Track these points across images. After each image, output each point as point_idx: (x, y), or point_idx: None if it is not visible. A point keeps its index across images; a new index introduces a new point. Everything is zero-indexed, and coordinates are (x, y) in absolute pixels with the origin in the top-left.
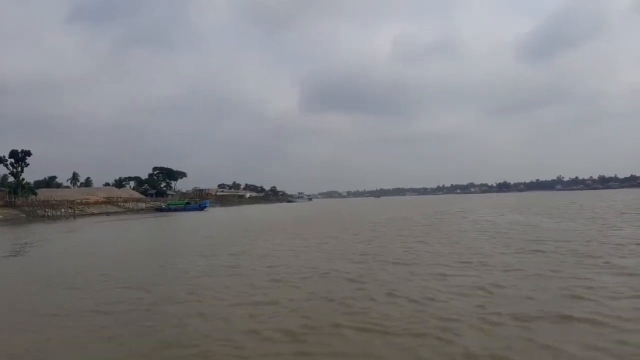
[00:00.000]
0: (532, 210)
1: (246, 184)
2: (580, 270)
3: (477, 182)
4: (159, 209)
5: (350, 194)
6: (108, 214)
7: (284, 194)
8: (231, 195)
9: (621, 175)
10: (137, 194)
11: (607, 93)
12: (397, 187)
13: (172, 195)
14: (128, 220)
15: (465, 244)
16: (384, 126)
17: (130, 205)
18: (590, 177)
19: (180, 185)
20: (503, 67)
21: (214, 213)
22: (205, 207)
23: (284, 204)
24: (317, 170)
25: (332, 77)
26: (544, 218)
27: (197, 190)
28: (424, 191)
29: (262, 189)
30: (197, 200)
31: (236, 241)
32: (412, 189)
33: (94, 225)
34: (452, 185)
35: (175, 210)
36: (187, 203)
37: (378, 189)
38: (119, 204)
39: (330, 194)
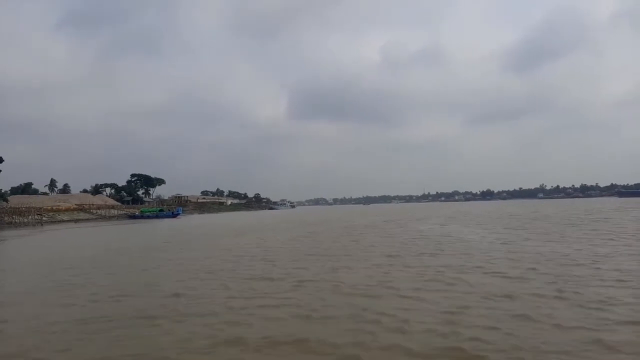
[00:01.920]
0: (477, 220)
1: (229, 191)
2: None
3: (461, 190)
4: (132, 216)
5: (337, 202)
6: (76, 221)
7: (268, 201)
8: (211, 202)
9: (602, 184)
10: (111, 201)
11: (589, 103)
12: (383, 194)
13: (149, 202)
14: (93, 227)
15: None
16: (372, 134)
17: (102, 212)
18: (572, 185)
19: (162, 191)
20: (488, 77)
21: (186, 220)
22: (179, 214)
23: (265, 212)
24: (305, 178)
25: (319, 85)
26: (473, 228)
27: (175, 197)
28: (409, 199)
29: (245, 196)
30: (170, 208)
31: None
32: (398, 196)
33: (52, 232)
34: (437, 192)
35: (148, 217)
36: (160, 210)
37: (364, 196)
38: (92, 211)
39: (317, 201)
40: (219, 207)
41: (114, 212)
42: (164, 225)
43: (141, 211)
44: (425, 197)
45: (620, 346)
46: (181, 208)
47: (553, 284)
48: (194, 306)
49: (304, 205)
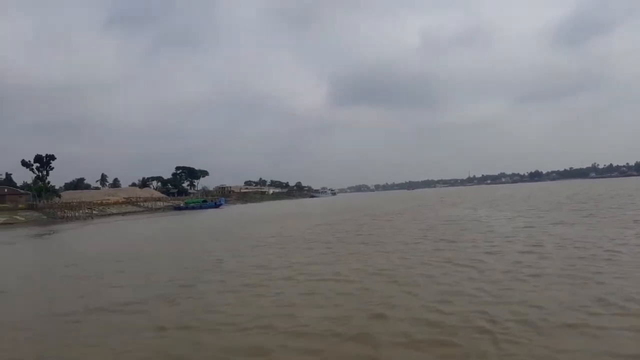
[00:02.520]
0: (515, 204)
1: (271, 181)
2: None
3: (508, 172)
4: (177, 207)
5: (379, 188)
6: (123, 214)
7: (309, 189)
8: (253, 192)
9: None
10: (157, 194)
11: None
12: (427, 179)
13: (194, 193)
14: (139, 219)
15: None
16: (413, 118)
17: (149, 204)
18: (627, 163)
19: (207, 182)
20: (535, 54)
21: (228, 210)
22: (221, 204)
23: (305, 200)
24: (346, 165)
25: (358, 71)
26: (507, 213)
27: (219, 188)
28: (454, 182)
29: (286, 185)
30: (214, 199)
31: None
32: (442, 180)
33: (101, 224)
34: (482, 175)
35: (193, 208)
36: (204, 201)
37: (407, 181)
38: (139, 203)
39: (359, 188)
40: (261, 196)
41: (160, 204)
42: (208, 215)
43: (185, 202)
44: (471, 181)
45: None
46: (224, 198)
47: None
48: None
49: (345, 192)
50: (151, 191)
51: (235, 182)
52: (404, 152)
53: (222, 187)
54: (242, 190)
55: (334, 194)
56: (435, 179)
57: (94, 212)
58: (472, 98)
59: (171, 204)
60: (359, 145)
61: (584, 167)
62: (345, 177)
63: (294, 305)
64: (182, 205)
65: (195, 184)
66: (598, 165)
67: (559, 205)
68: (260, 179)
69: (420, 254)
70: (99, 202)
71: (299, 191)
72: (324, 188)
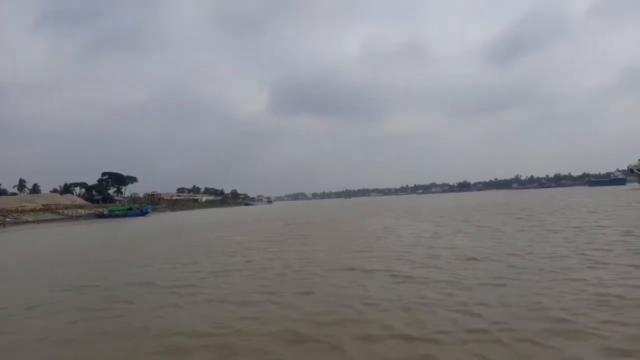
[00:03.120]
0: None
1: (206, 188)
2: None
3: (438, 182)
4: (100, 215)
5: (316, 196)
6: (38, 222)
7: (245, 196)
8: (185, 199)
9: (575, 173)
10: (80, 200)
11: (565, 95)
12: (363, 187)
13: (121, 200)
14: (52, 228)
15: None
16: (352, 128)
17: (70, 212)
18: (546, 175)
19: (139, 189)
20: (468, 71)
21: (152, 219)
22: (148, 212)
23: (239, 208)
24: (285, 173)
25: (300, 80)
26: (419, 223)
27: (148, 195)
28: (388, 192)
29: (221, 192)
30: (140, 206)
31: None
32: (377, 189)
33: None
34: (415, 185)
35: (117, 216)
36: (129, 209)
37: (344, 190)
38: (59, 211)
39: (296, 196)
40: (193, 204)
41: (82, 211)
42: (127, 224)
43: (109, 210)
44: (404, 190)
45: None
46: (150, 206)
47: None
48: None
49: (283, 200)
50: (73, 198)
51: (168, 189)
52: (341, 161)
53: (152, 195)
54: (174, 198)
55: (269, 202)
56: (371, 188)
57: (7, 219)
58: (408, 110)
59: (94, 212)
60: (298, 153)
61: (508, 178)
62: (284, 185)
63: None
64: (105, 212)
65: (123, 190)
66: (520, 176)
67: (460, 214)
68: (194, 186)
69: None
70: (13, 209)
71: (234, 199)
72: (259, 196)
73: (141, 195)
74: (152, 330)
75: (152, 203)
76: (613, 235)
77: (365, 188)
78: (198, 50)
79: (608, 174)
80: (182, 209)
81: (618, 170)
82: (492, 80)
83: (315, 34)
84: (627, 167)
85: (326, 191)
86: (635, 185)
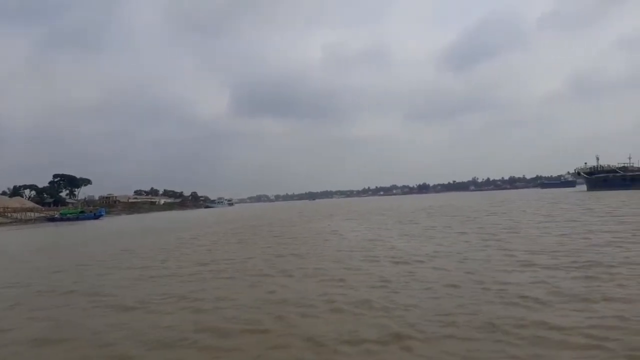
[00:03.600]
0: (380, 215)
1: (165, 190)
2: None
3: (399, 184)
4: (51, 219)
5: (279, 198)
6: None
7: (206, 199)
8: (142, 202)
9: (529, 176)
10: (30, 203)
11: (519, 100)
12: (326, 190)
13: (74, 203)
14: None
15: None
16: (315, 130)
17: (18, 215)
18: (502, 177)
19: (94, 191)
20: (427, 76)
21: (104, 222)
22: (101, 215)
23: (197, 210)
24: (248, 175)
25: (264, 83)
26: (366, 224)
27: (104, 197)
28: (350, 193)
29: (180, 195)
30: (92, 209)
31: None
32: (339, 191)
33: None
34: (376, 187)
35: (69, 219)
36: (81, 212)
37: (307, 192)
38: (7, 214)
39: (259, 198)
40: (150, 207)
41: (31, 215)
42: (78, 227)
43: (61, 213)
44: (366, 192)
45: None
46: (104, 209)
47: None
48: None
49: (245, 202)
50: (22, 201)
51: (126, 191)
52: (304, 163)
53: (107, 197)
54: (130, 201)
55: (230, 204)
56: (334, 190)
57: None
58: (370, 114)
59: (44, 215)
60: (261, 155)
61: (466, 180)
62: (246, 188)
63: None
64: (57, 216)
65: (76, 193)
66: (477, 179)
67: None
68: (152, 188)
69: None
70: None
71: (194, 201)
72: (220, 198)
73: (96, 198)
74: None
75: (107, 206)
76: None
77: (329, 190)
78: (157, 51)
79: (559, 176)
80: (138, 211)
81: (568, 173)
82: (450, 85)
83: (278, 37)
84: (574, 170)
85: (289, 193)
86: (583, 187)
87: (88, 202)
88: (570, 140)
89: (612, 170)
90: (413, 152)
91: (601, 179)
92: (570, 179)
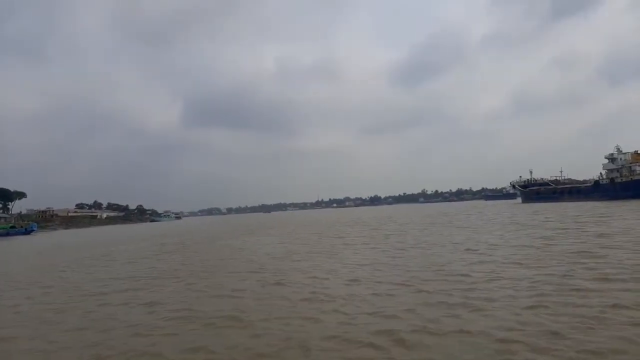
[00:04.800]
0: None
1: (108, 203)
2: None
3: (352, 197)
4: None
5: (231, 211)
6: None
7: (153, 212)
8: (81, 216)
9: (475, 188)
10: None
11: (465, 115)
12: (279, 202)
13: (6, 218)
14: None
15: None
16: (268, 142)
17: None
18: (450, 190)
19: (31, 204)
20: (377, 91)
21: (34, 238)
22: (33, 230)
23: (139, 225)
24: (198, 188)
25: (214, 94)
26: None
27: (39, 212)
28: (304, 206)
29: (125, 208)
30: (24, 224)
31: None
32: (293, 204)
33: None
34: (330, 199)
35: None
36: (12, 227)
37: (260, 204)
38: None
39: (210, 211)
40: (90, 221)
41: None
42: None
43: None
44: (319, 204)
45: None
46: (35, 224)
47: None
48: None
49: (197, 215)
50: None
51: (69, 204)
52: (258, 175)
53: (44, 211)
54: (70, 214)
55: (178, 217)
56: (287, 202)
57: None
58: (323, 126)
59: None
60: (212, 167)
61: (415, 192)
62: (197, 200)
63: None
64: None
65: (10, 207)
66: (427, 191)
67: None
68: (96, 201)
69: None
70: None
71: (140, 215)
72: (166, 212)
73: (30, 212)
74: None
75: (44, 220)
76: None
77: (282, 202)
78: (104, 60)
79: (502, 189)
80: (77, 226)
81: (510, 185)
82: (400, 100)
83: (230, 50)
84: (509, 183)
85: (242, 206)
86: (519, 199)
87: (23, 216)
88: (514, 153)
89: (544, 183)
90: (365, 165)
91: (534, 191)
92: (511, 191)
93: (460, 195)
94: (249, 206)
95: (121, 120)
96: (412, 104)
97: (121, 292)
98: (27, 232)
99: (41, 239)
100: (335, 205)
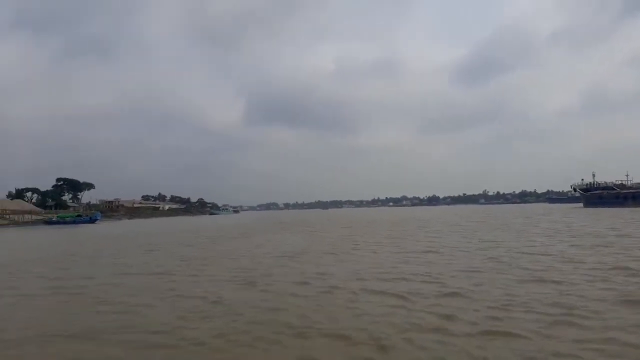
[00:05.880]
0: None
1: (172, 196)
2: None
3: (409, 196)
4: (48, 222)
5: (288, 206)
6: None
7: (213, 205)
8: (145, 207)
9: (540, 190)
10: (29, 206)
11: (532, 114)
12: (335, 199)
13: (76, 207)
14: None
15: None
16: (326, 140)
17: (16, 217)
18: (513, 191)
19: (99, 196)
20: (438, 89)
21: (97, 226)
22: (97, 219)
23: (200, 217)
24: (258, 183)
25: (275, 93)
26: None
27: (106, 202)
28: (359, 204)
29: (187, 201)
30: (89, 213)
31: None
32: (349, 201)
33: None
34: (386, 198)
35: (65, 222)
36: (78, 215)
37: (316, 201)
38: (5, 216)
39: (268, 206)
40: (153, 212)
41: (28, 217)
42: (68, 231)
43: (58, 217)
44: (375, 202)
45: None
46: (99, 213)
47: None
48: None
49: (255, 210)
50: (22, 203)
51: (135, 196)
52: (314, 172)
53: (110, 202)
54: (134, 205)
55: (236, 211)
56: (343, 200)
57: None
58: (382, 125)
59: (42, 218)
60: (272, 164)
61: (476, 193)
62: (256, 195)
63: None
64: (54, 219)
65: (79, 197)
66: (488, 192)
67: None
68: (160, 193)
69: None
70: None
71: (200, 208)
72: (225, 205)
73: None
74: None
75: (110, 210)
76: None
77: (338, 200)
78: (173, 60)
79: (567, 192)
80: (140, 216)
81: (571, 188)
82: (462, 98)
83: (289, 50)
84: (570, 186)
85: (299, 202)
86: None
87: (90, 206)
88: (582, 155)
89: (608, 187)
90: (424, 164)
91: (596, 195)
92: (576, 194)
93: (523, 197)
94: (305, 202)
95: (187, 118)
96: (475, 102)
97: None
98: (92, 220)
99: (104, 228)
100: (391, 204)
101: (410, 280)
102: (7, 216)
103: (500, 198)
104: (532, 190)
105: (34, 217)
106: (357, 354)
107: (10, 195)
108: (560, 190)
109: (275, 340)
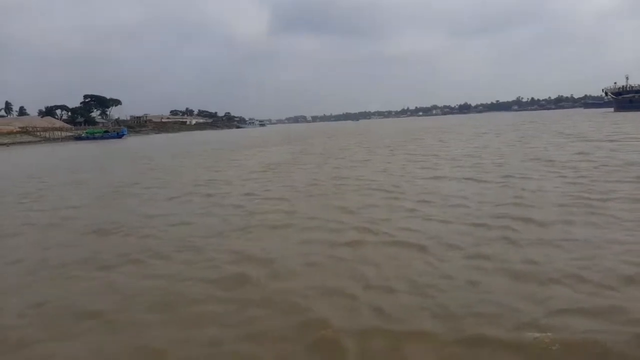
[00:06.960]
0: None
1: (199, 110)
2: None
3: (440, 105)
4: (78, 138)
5: (316, 119)
6: (8, 145)
7: (240, 119)
8: (172, 122)
9: (577, 95)
10: (59, 123)
11: (574, 15)
12: (363, 110)
13: (104, 123)
14: (16, 150)
15: None
16: (353, 48)
17: (47, 134)
18: (549, 97)
19: (128, 111)
20: None
21: (124, 141)
22: (124, 134)
23: (225, 131)
24: (285, 96)
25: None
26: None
27: (134, 117)
28: (388, 114)
29: (214, 115)
30: (116, 129)
31: None
32: (377, 112)
33: None
34: (415, 107)
35: (94, 138)
36: (106, 131)
37: (344, 113)
38: (36, 133)
39: (296, 119)
40: (180, 127)
41: (59, 134)
42: (95, 146)
43: (86, 133)
44: (404, 112)
45: None
46: (126, 129)
47: None
48: None
49: (283, 122)
50: (52, 120)
51: (163, 111)
52: (341, 83)
53: (139, 117)
54: (162, 120)
55: (262, 125)
56: (372, 111)
57: None
58: (411, 31)
59: (72, 134)
60: (298, 75)
61: (510, 100)
62: (284, 108)
63: None
64: (83, 135)
65: (108, 113)
66: (522, 98)
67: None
68: (187, 108)
69: None
70: None
71: (227, 122)
72: (251, 119)
73: (128, 118)
74: None
75: (138, 125)
76: None
77: (367, 111)
78: None
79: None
80: (168, 131)
81: (603, 92)
82: None
83: None
84: (602, 90)
85: (327, 114)
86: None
87: (119, 121)
88: (626, 58)
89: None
90: (455, 71)
91: (627, 99)
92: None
93: (559, 103)
94: (333, 114)
95: (212, 30)
96: (511, 2)
97: None
98: (119, 136)
99: (131, 142)
100: (421, 113)
101: None
102: (39, 133)
103: (535, 104)
104: (569, 96)
105: (64, 133)
106: None
107: (41, 113)
108: (599, 95)
109: None
